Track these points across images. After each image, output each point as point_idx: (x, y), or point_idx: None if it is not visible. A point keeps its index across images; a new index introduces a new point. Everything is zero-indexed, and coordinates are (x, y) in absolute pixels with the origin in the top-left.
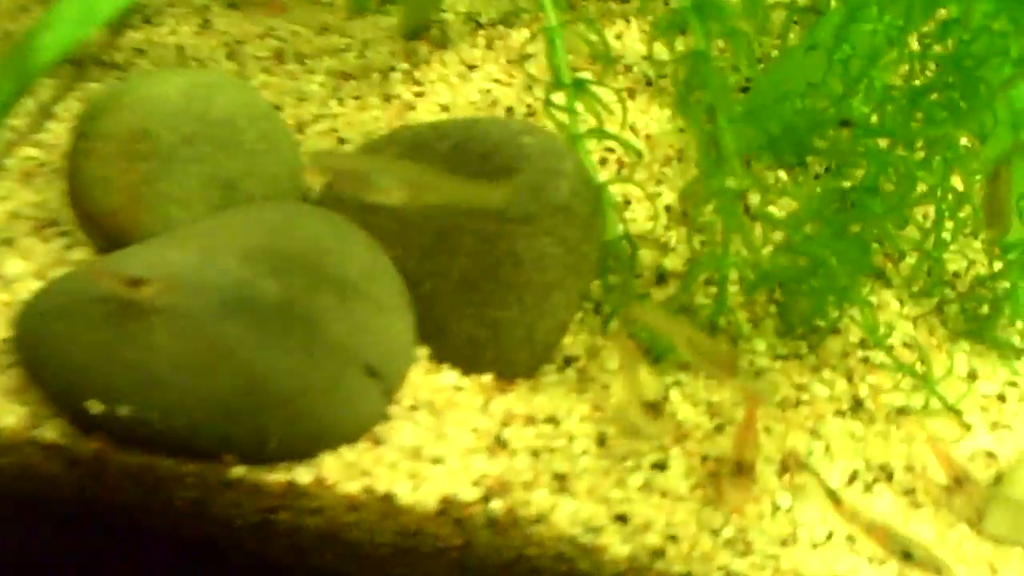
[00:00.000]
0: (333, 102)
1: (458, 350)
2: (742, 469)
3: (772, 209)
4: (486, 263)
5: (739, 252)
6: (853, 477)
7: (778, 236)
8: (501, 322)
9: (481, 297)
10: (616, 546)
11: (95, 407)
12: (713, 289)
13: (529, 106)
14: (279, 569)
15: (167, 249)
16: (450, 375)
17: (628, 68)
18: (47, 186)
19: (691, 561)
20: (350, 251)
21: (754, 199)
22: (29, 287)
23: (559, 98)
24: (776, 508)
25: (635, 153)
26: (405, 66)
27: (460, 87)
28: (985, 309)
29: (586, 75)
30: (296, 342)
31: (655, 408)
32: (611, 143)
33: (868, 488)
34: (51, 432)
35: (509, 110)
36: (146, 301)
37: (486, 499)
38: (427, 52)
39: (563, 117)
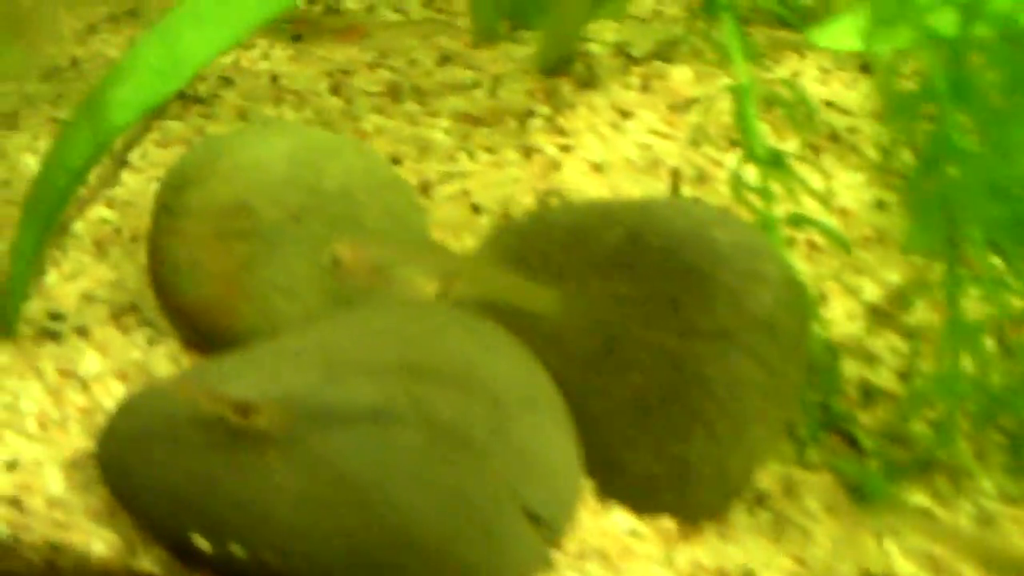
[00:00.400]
0: (462, 155)
1: (631, 487)
2: None
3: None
4: (667, 384)
5: (964, 368)
6: None
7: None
8: (687, 458)
9: (661, 425)
10: None
11: (201, 542)
12: (931, 413)
13: (704, 172)
14: None
15: (280, 363)
16: (623, 517)
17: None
18: (124, 259)
19: None
20: (503, 365)
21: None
22: (110, 390)
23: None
24: None
25: (842, 245)
26: (546, 110)
27: (613, 140)
28: None
29: (764, 126)
30: (444, 480)
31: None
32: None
33: None
34: (146, 562)
35: (675, 172)
36: (259, 430)
37: None
38: (570, 92)
39: (753, 197)
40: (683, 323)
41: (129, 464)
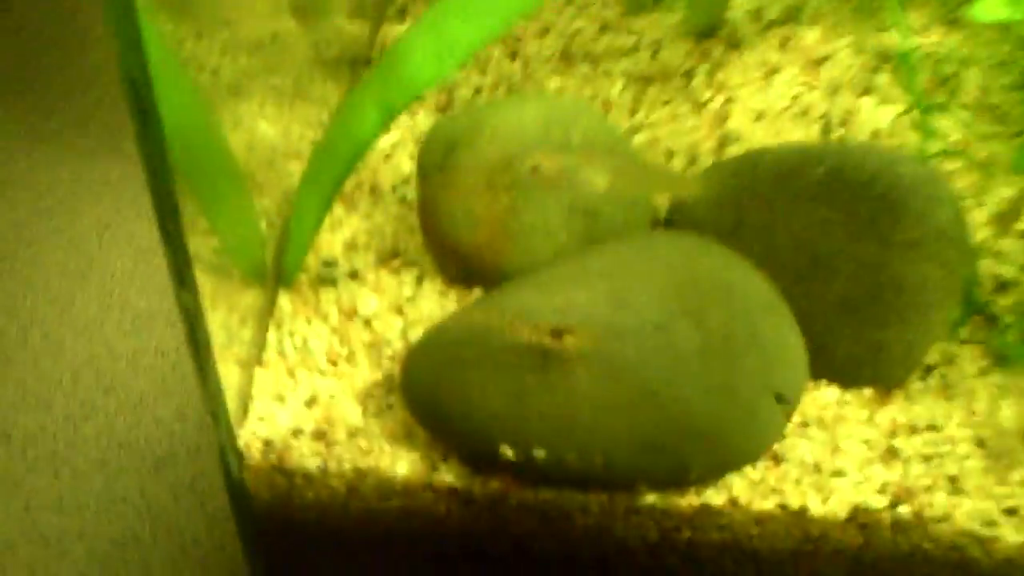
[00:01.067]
0: (643, 109)
1: (836, 367)
2: None
3: None
4: (867, 286)
5: None
6: None
7: None
8: (883, 342)
9: (861, 318)
10: (1009, 536)
11: (508, 452)
12: None
13: (847, 117)
14: None
15: (569, 291)
16: (831, 391)
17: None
18: (373, 210)
19: None
20: (745, 279)
21: None
22: (389, 324)
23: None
24: None
25: (984, 172)
26: (705, 68)
27: (766, 92)
28: None
29: (884, 77)
30: (715, 380)
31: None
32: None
33: None
34: (447, 476)
35: (824, 118)
36: (569, 350)
37: (893, 505)
38: (721, 53)
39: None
40: (879, 238)
41: (438, 389)
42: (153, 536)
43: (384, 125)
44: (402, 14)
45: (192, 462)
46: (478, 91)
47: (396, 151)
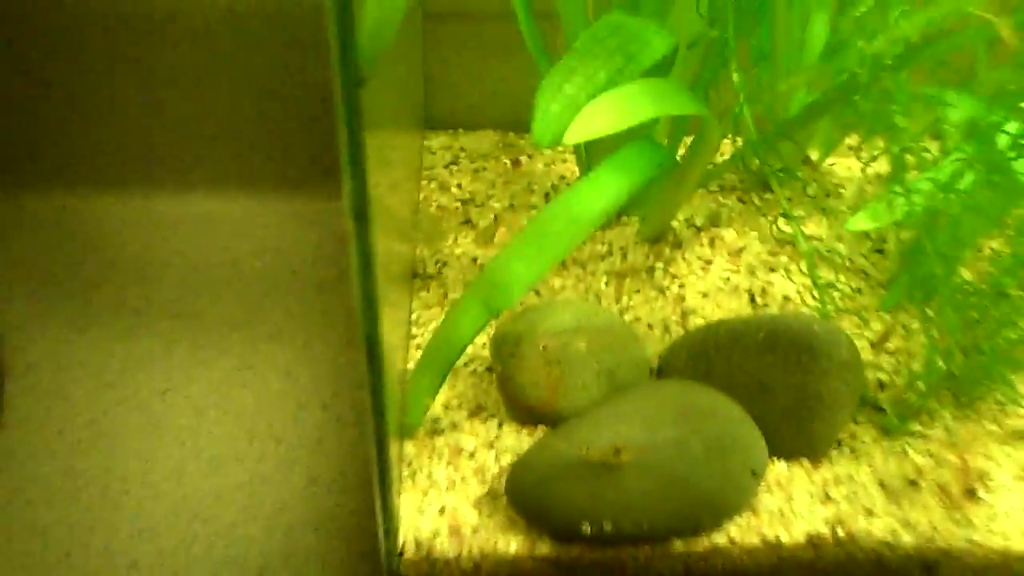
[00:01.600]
0: (624, 297)
1: (785, 450)
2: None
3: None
4: (799, 400)
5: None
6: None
7: None
8: (812, 432)
9: (797, 420)
10: (906, 541)
11: (586, 528)
12: (913, 391)
13: (764, 289)
14: None
15: (614, 425)
16: (782, 464)
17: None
18: (456, 382)
19: (946, 538)
20: (724, 406)
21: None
22: (486, 455)
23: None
24: None
25: (862, 318)
26: (660, 264)
27: (705, 278)
28: None
29: (783, 257)
30: (717, 468)
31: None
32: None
33: None
34: (543, 548)
35: (749, 291)
36: (623, 462)
37: (833, 529)
38: (670, 252)
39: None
40: (804, 370)
41: (536, 492)
42: None
43: (475, 334)
44: (429, 237)
45: (285, 566)
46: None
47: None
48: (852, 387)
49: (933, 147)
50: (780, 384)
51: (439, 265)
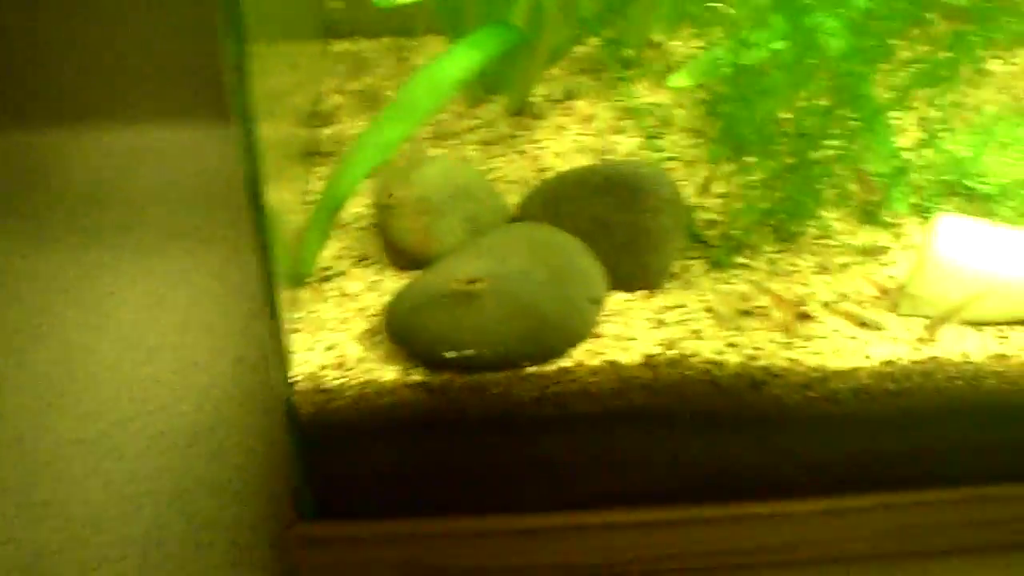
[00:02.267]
0: (491, 160)
1: (623, 281)
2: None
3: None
4: (632, 235)
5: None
6: (827, 302)
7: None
8: (646, 263)
9: (632, 252)
10: (732, 359)
11: (450, 354)
12: (737, 225)
13: (609, 148)
14: (549, 419)
15: (473, 261)
16: (621, 295)
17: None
18: (344, 236)
19: (768, 357)
20: (568, 241)
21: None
22: (369, 297)
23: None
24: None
25: (688, 165)
26: (522, 132)
27: (561, 141)
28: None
29: (628, 123)
30: (560, 293)
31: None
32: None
33: (838, 301)
34: (416, 376)
35: (596, 150)
36: (479, 290)
37: (666, 350)
38: (530, 122)
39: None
40: (635, 209)
41: (408, 323)
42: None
43: (354, 187)
44: (328, 122)
45: (212, 435)
46: (387, 162)
47: (348, 202)
48: (677, 222)
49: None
50: (616, 222)
51: (335, 144)
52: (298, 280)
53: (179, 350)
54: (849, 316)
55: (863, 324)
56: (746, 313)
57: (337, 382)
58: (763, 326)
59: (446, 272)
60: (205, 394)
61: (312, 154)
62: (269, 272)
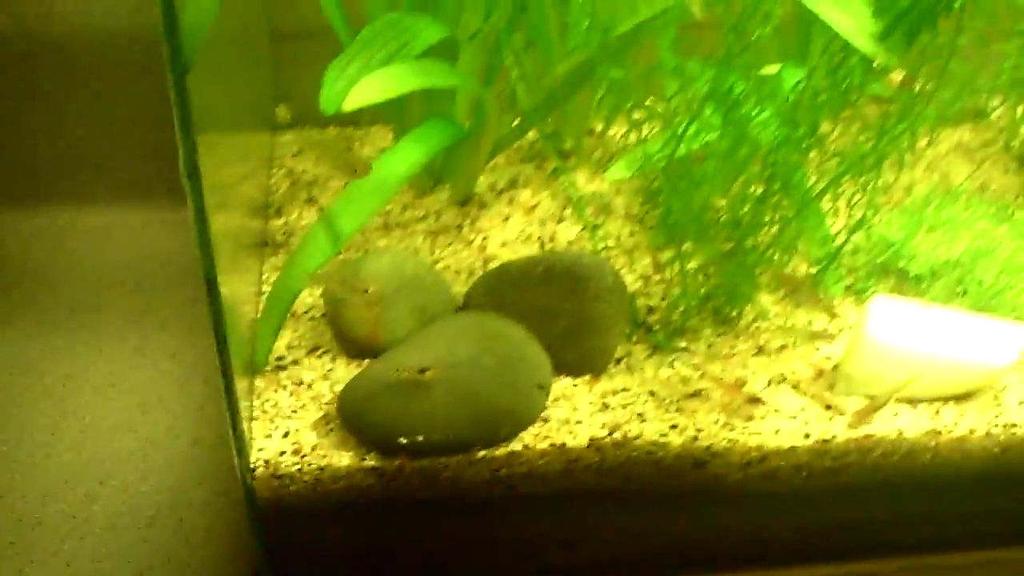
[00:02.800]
0: (438, 250)
1: (567, 367)
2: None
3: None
4: (576, 322)
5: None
6: (770, 381)
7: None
8: (590, 349)
9: (577, 338)
10: (674, 440)
11: (402, 440)
12: (677, 311)
13: (552, 236)
14: (500, 500)
15: (422, 351)
16: (567, 380)
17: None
18: (297, 326)
19: (710, 438)
20: (512, 329)
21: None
22: (323, 385)
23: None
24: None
25: (627, 254)
26: (468, 222)
27: (506, 230)
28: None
29: (568, 211)
30: (507, 380)
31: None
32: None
33: (779, 383)
34: (371, 461)
35: (539, 239)
36: (429, 379)
37: (611, 433)
38: (476, 211)
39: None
40: (578, 297)
41: (360, 411)
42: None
43: (307, 279)
44: (278, 213)
45: (173, 513)
46: (338, 254)
47: (302, 294)
48: (619, 309)
49: (682, 108)
50: (559, 310)
51: (286, 236)
52: (255, 368)
53: (138, 430)
54: (816, 398)
55: (828, 407)
56: (692, 396)
57: (294, 467)
58: (704, 407)
59: (396, 361)
60: (165, 474)
61: (265, 244)
62: (226, 366)
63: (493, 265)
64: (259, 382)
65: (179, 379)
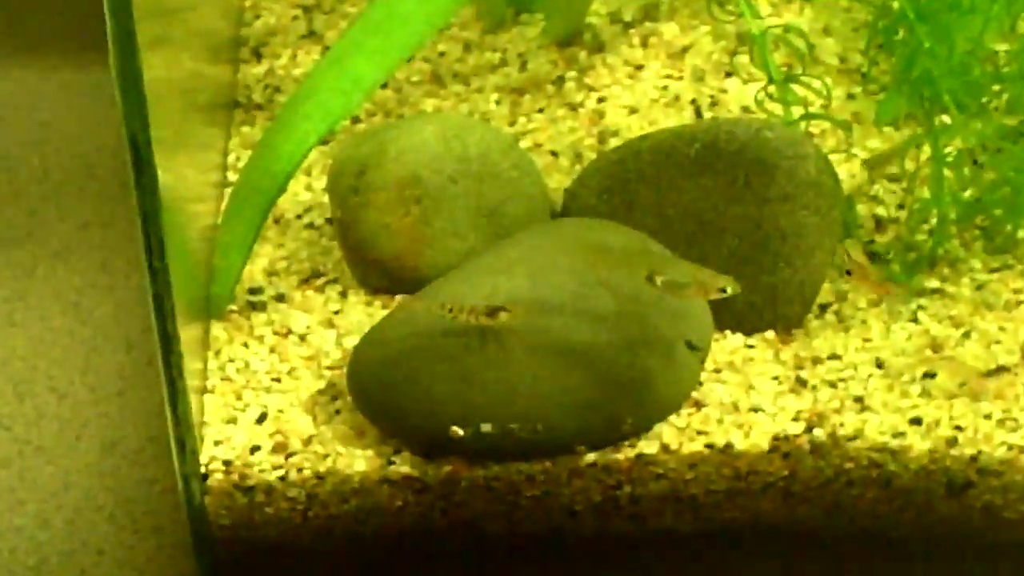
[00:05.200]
0: (520, 119)
1: (737, 316)
2: (997, 368)
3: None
4: (752, 239)
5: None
6: None
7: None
8: (775, 286)
9: (751, 268)
10: (917, 444)
11: (458, 431)
12: (925, 226)
13: (712, 97)
14: (619, 539)
15: (493, 278)
16: (736, 338)
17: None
18: (284, 238)
19: (977, 443)
20: (644, 250)
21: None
22: (324, 337)
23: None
24: None
25: (845, 128)
26: (573, 74)
27: (635, 87)
28: None
29: (743, 58)
30: (634, 336)
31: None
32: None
33: None
34: (402, 467)
35: (693, 102)
36: (504, 326)
37: (809, 430)
38: (586, 57)
39: (775, 108)
40: (756, 197)
41: (385, 384)
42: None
43: (301, 158)
44: (256, 56)
45: (67, 566)
46: (356, 120)
47: (292, 184)
48: (827, 221)
49: None
50: (725, 217)
51: (269, 91)
52: (213, 307)
53: (12, 428)
54: None
55: None
56: (932, 364)
57: (275, 475)
58: (966, 391)
59: (449, 296)
60: (54, 500)
61: (235, 105)
62: (163, 301)
63: (614, 144)
64: (219, 330)
65: (83, 343)
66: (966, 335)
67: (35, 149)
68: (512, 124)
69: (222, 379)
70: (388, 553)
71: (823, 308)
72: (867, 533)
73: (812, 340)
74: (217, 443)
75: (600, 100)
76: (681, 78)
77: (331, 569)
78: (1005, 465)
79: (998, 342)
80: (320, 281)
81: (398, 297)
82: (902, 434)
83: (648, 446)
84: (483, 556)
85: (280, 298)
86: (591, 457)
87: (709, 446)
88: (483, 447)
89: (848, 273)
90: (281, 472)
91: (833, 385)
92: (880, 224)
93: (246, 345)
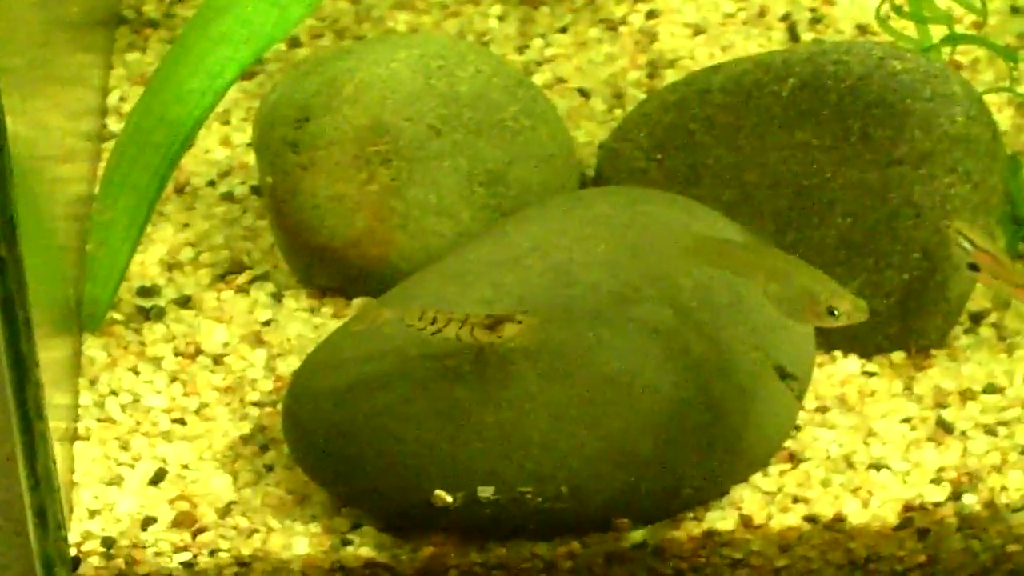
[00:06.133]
0: (535, 41)
1: (852, 329)
2: None
3: None
4: (874, 218)
5: None
6: None
7: None
8: (907, 286)
9: (874, 260)
10: None
11: (444, 497)
12: None
13: (813, 10)
14: None
15: (495, 274)
16: (851, 361)
17: None
18: (190, 215)
19: None
20: (717, 232)
21: None
22: (249, 359)
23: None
24: None
25: (1008, 56)
26: None
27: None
28: None
29: None
30: (701, 359)
31: None
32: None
33: None
34: (362, 548)
35: (786, 17)
36: (510, 344)
37: (956, 496)
38: None
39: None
40: (880, 155)
41: (339, 428)
42: None
43: (215, 99)
44: None
45: None
46: (295, 44)
47: (201, 137)
48: (985, 188)
49: None
50: (833, 186)
51: (168, 3)
52: (89, 315)
53: None
54: None
55: None
56: None
57: (176, 560)
58: None
59: (430, 303)
60: None
61: (120, 21)
62: (12, 303)
63: (671, 79)
64: (96, 349)
65: None
66: None
67: None
68: (522, 50)
69: (100, 420)
70: None
71: (976, 319)
72: None
73: (960, 365)
74: (93, 513)
75: (651, 14)
76: None
77: None
78: None
79: None
80: (243, 277)
81: (356, 301)
82: None
83: (721, 519)
84: None
85: (184, 302)
86: (638, 535)
87: (810, 519)
88: (480, 519)
89: (972, 268)
90: (186, 556)
91: (991, 431)
92: None
93: (135, 371)
